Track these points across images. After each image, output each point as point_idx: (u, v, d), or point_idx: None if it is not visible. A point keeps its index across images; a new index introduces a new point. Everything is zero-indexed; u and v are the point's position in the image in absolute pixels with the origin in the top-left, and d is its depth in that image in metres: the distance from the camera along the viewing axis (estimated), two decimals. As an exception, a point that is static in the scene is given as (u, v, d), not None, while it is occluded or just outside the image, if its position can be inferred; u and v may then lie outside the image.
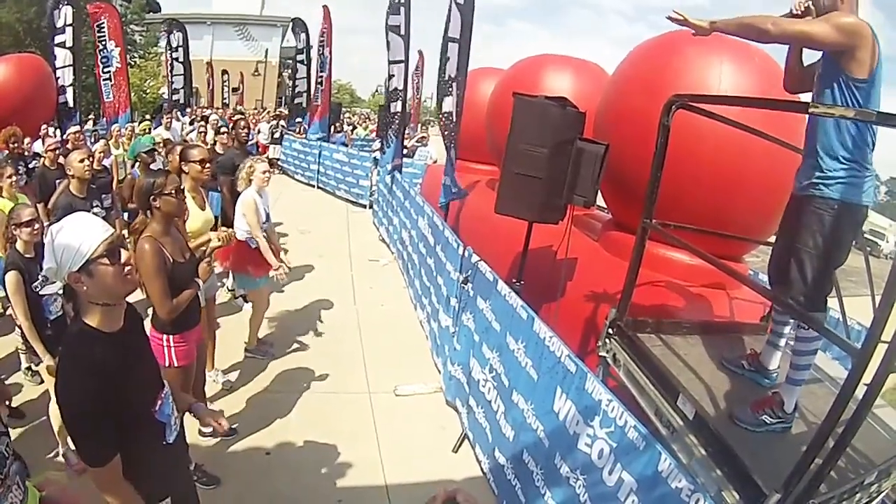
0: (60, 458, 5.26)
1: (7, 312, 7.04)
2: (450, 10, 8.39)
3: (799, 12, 3.80)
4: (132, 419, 2.66)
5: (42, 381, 5.95)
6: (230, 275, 9.06)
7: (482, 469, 5.65)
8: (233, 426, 6.01)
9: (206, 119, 17.89)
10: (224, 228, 6.08)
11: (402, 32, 11.39)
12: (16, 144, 9.90)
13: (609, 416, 3.46)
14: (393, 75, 11.70)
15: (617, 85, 7.52)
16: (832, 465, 2.91)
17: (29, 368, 6.41)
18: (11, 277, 4.99)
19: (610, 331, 4.96)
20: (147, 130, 15.91)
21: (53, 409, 5.35)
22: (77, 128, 12.17)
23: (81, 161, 6.37)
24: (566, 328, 5.08)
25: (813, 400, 4.22)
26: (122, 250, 2.62)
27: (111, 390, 2.52)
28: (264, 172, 7.03)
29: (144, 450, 2.77)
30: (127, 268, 2.62)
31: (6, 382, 5.59)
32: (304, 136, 23.93)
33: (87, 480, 3.05)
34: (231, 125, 10.63)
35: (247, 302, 8.24)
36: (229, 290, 9.40)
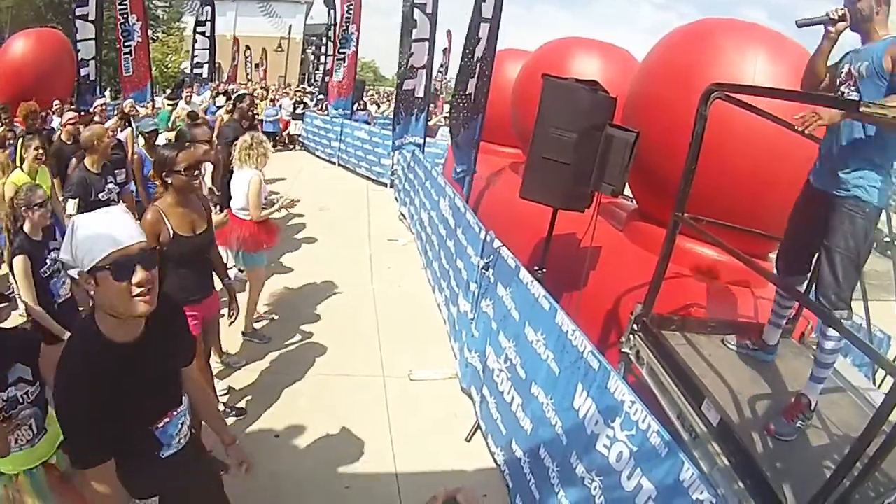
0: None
1: (12, 294, 7.01)
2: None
3: (836, 17, 3.84)
4: (125, 431, 2.53)
5: None
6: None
7: (495, 460, 5.54)
8: (240, 406, 5.94)
9: (227, 95, 17.80)
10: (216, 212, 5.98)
11: (429, 11, 11.24)
12: (34, 120, 9.85)
13: (631, 419, 3.31)
14: (413, 53, 11.55)
15: (647, 72, 7.35)
16: (859, 488, 2.82)
17: None
18: (20, 261, 4.91)
19: (635, 326, 4.84)
20: (173, 104, 15.91)
21: None
22: (103, 100, 12.14)
23: (100, 136, 6.27)
24: (587, 319, 4.95)
25: (835, 410, 4.16)
26: (138, 268, 2.32)
27: (104, 401, 2.38)
28: (265, 151, 6.96)
29: (131, 458, 2.63)
30: (139, 289, 2.33)
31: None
32: (325, 112, 23.92)
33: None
34: (237, 99, 10.58)
35: (242, 272, 8.09)
36: (231, 267, 9.30)
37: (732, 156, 5.80)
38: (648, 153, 6.15)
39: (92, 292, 2.35)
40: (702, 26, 6.88)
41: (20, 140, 7.15)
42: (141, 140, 9.14)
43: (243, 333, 7.42)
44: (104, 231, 2.31)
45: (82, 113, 10.79)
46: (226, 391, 6.13)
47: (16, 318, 6.55)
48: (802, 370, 4.36)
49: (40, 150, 6.67)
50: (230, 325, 5.55)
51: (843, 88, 3.95)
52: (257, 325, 7.70)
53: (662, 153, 6.24)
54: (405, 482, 5.28)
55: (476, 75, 8.51)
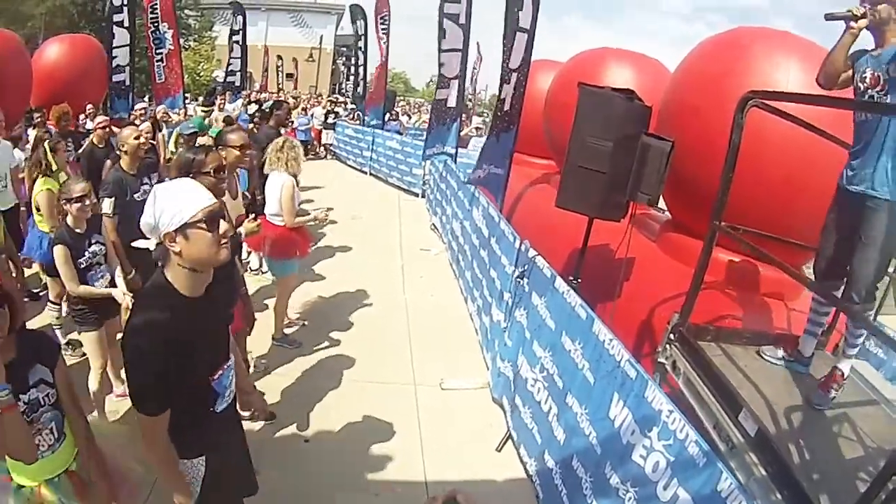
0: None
1: (42, 294, 7.05)
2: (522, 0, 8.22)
3: (858, 14, 3.95)
4: (188, 381, 2.75)
5: (84, 355, 5.94)
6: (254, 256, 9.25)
7: (526, 471, 5.51)
8: (272, 411, 5.97)
9: (259, 103, 17.94)
10: (251, 219, 6.01)
11: (462, 21, 11.25)
12: (66, 122, 9.96)
13: (669, 429, 3.29)
14: (443, 63, 11.56)
15: (681, 81, 7.33)
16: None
17: (69, 343, 6.44)
18: (60, 251, 5.05)
19: (671, 336, 4.80)
20: (208, 111, 16.08)
21: (93, 381, 5.46)
22: (144, 105, 12.26)
23: (136, 138, 6.32)
24: (620, 330, 4.92)
25: (870, 422, 4.13)
26: (222, 221, 2.71)
27: (175, 351, 2.61)
28: (297, 158, 7.00)
29: (189, 410, 2.87)
30: (223, 239, 2.71)
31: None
32: (358, 122, 24.10)
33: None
34: (273, 108, 10.65)
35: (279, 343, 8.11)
36: (265, 272, 9.36)
37: (766, 165, 5.78)
38: (682, 162, 6.11)
39: (177, 250, 2.63)
40: (735, 35, 6.87)
41: (48, 146, 7.22)
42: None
43: (273, 338, 7.46)
44: (190, 193, 2.69)
45: (117, 118, 10.87)
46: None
47: (45, 318, 6.66)
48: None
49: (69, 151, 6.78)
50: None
51: (871, 92, 4.04)
52: (288, 331, 7.72)
53: (696, 162, 6.22)
54: (434, 491, 5.14)
55: (512, 83, 8.49)
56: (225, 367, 3.05)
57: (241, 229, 5.37)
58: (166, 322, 2.61)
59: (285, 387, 6.60)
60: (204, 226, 2.61)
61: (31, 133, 10.30)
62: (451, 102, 11.88)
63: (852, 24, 3.97)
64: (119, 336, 5.81)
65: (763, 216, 5.71)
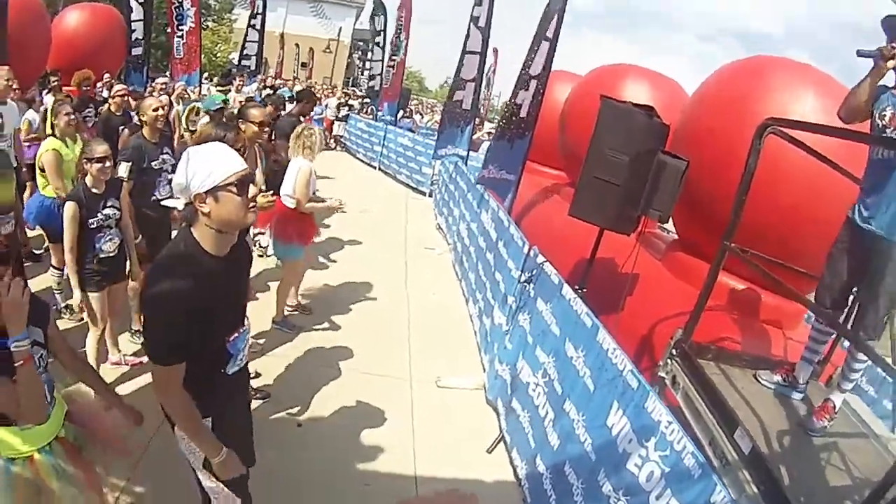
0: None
1: (42, 255, 7.09)
2: (552, 11, 8.27)
3: (888, 55, 3.94)
4: (204, 339, 2.83)
5: (82, 319, 6.00)
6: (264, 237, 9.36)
7: (516, 474, 5.55)
8: (265, 390, 6.02)
9: (273, 88, 18.00)
10: (267, 194, 6.10)
11: (482, 24, 11.30)
12: (87, 87, 10.02)
13: (666, 439, 3.34)
14: (463, 65, 11.61)
15: (699, 103, 7.41)
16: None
17: (67, 307, 6.49)
18: (70, 207, 5.15)
19: (673, 351, 4.86)
20: (224, 90, 16.18)
21: (90, 342, 5.52)
22: (165, 79, 12.33)
23: (155, 109, 6.39)
24: (621, 343, 4.95)
25: (860, 455, 4.18)
26: (251, 186, 2.83)
27: (196, 305, 2.69)
28: (318, 140, 7.09)
29: (202, 370, 2.92)
30: (251, 203, 2.81)
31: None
32: (371, 116, 24.20)
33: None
34: (300, 97, 10.69)
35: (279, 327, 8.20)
36: (270, 255, 9.43)
37: (777, 191, 5.83)
38: (695, 183, 6.17)
39: (206, 211, 2.71)
40: (755, 62, 6.93)
41: (51, 107, 7.31)
42: (206, 118, 9.31)
43: (273, 321, 7.54)
44: (224, 156, 2.79)
45: (131, 90, 10.94)
46: (253, 375, 6.19)
47: (46, 281, 6.70)
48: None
49: (71, 116, 6.85)
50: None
51: (889, 132, 4.07)
52: (288, 316, 7.79)
53: (709, 183, 6.30)
54: (424, 486, 5.31)
55: (531, 91, 8.52)
56: (241, 329, 3.12)
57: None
58: (189, 277, 2.69)
59: (281, 370, 6.66)
60: (234, 189, 2.70)
61: (47, 96, 10.39)
62: (467, 105, 11.91)
63: (881, 62, 3.98)
64: (124, 299, 5.92)
65: (770, 242, 5.76)
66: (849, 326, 4.50)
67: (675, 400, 4.65)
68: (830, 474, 3.88)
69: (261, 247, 9.66)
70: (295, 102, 11.10)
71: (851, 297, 4.58)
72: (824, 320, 4.63)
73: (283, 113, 10.28)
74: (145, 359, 5.55)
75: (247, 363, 3.38)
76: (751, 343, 5.84)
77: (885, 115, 4.06)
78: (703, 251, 6.33)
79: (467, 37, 11.20)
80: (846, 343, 5.21)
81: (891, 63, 3.93)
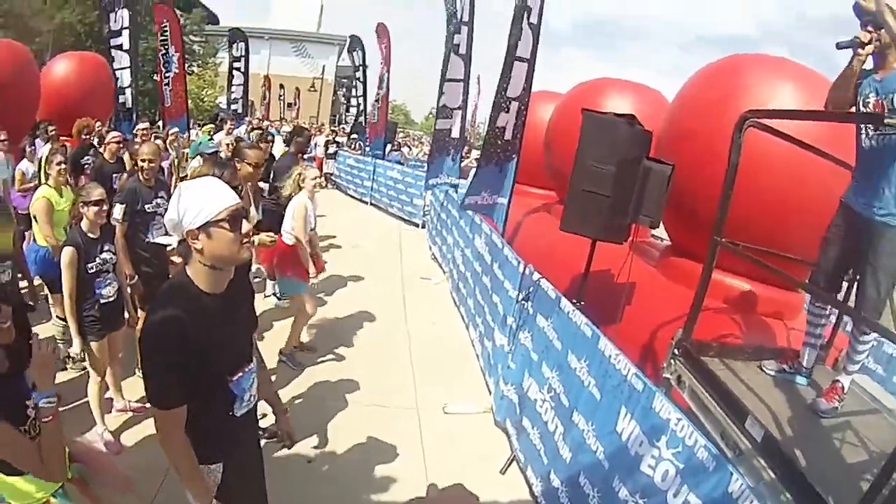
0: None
1: (39, 299, 7.11)
2: (521, 29, 8.32)
3: (865, 41, 3.97)
4: (206, 380, 2.76)
5: (84, 368, 6.02)
6: (269, 280, 9.41)
7: (532, 492, 5.54)
8: (273, 428, 6.03)
9: (261, 129, 18.19)
10: (268, 233, 6.23)
11: (462, 52, 11.34)
12: (88, 136, 10.07)
13: (677, 436, 3.36)
14: (444, 93, 11.65)
15: (679, 107, 7.51)
16: None
17: (68, 356, 6.52)
18: (68, 252, 5.17)
19: (675, 351, 4.89)
20: (210, 134, 16.33)
21: (92, 390, 5.56)
22: (146, 124, 12.44)
23: (144, 156, 6.56)
24: (623, 353, 4.98)
25: (873, 430, 4.22)
26: (244, 221, 2.76)
27: (193, 345, 2.63)
28: (314, 179, 7.19)
29: (208, 412, 2.86)
30: (245, 239, 2.75)
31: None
32: (359, 152, 24.32)
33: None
34: (293, 134, 10.81)
35: (280, 299, 8.28)
36: (269, 295, 9.58)
37: (763, 184, 5.89)
38: (682, 187, 6.26)
39: (199, 247, 2.66)
40: (731, 62, 7.03)
41: (44, 157, 7.38)
42: (198, 160, 9.41)
43: (281, 352, 7.62)
44: (215, 192, 2.72)
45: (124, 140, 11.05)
46: (260, 416, 6.19)
47: (48, 330, 6.72)
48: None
49: (63, 166, 6.89)
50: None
51: None
52: (293, 352, 7.79)
53: (696, 186, 6.36)
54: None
55: (512, 112, 8.57)
56: (246, 369, 3.03)
57: (256, 239, 5.50)
58: (184, 317, 2.64)
59: (289, 405, 6.55)
60: (227, 225, 2.65)
61: (41, 145, 10.47)
62: (455, 133, 11.97)
63: (860, 50, 4.01)
64: (120, 353, 5.94)
65: (761, 234, 5.78)
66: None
67: (683, 400, 4.66)
68: (846, 452, 3.91)
69: (268, 294, 9.76)
70: (288, 143, 11.24)
71: (846, 280, 4.65)
72: (826, 302, 4.68)
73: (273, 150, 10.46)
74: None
75: (256, 403, 3.29)
76: (753, 338, 5.84)
77: (868, 102, 4.08)
78: (697, 253, 6.35)
79: (447, 65, 11.23)
80: (848, 326, 5.23)
81: (868, 48, 3.97)
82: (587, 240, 6.32)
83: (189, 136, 17.04)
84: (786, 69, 6.43)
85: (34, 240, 6.91)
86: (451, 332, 9.62)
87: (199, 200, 2.64)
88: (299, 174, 7.41)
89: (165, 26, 18.35)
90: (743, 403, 4.08)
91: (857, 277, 4.40)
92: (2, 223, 5.65)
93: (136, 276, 6.17)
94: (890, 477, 2.76)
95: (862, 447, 3.95)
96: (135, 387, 6.26)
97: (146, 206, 6.40)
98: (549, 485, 5.09)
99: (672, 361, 4.91)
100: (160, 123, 18.72)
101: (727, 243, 4.70)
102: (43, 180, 7.21)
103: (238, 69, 26.10)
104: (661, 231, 8.40)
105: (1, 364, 2.98)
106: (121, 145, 9.20)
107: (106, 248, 5.45)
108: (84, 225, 5.30)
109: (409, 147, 36.15)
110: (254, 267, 7.65)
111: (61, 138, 11.13)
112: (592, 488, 4.31)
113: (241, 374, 2.97)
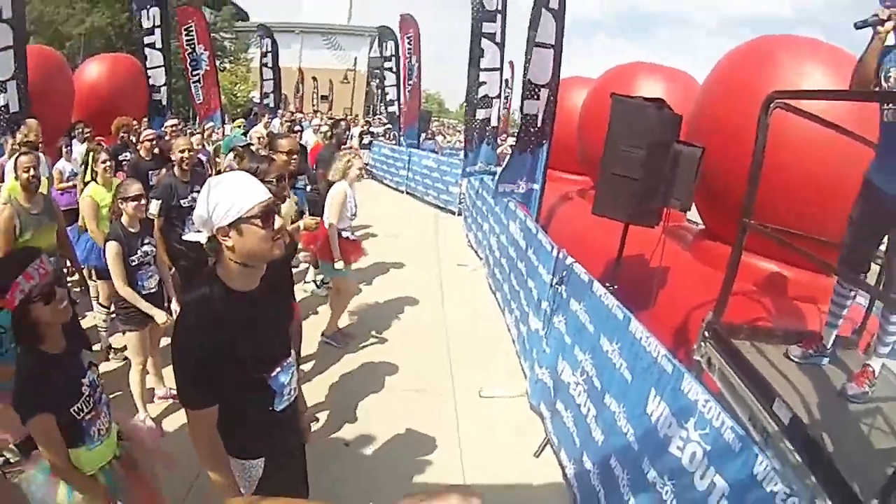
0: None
1: (81, 291, 7.27)
2: (540, 14, 8.32)
3: (884, 17, 3.96)
4: (242, 378, 2.76)
5: (125, 358, 6.23)
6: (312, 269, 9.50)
7: (565, 474, 5.58)
8: (315, 414, 6.12)
9: (293, 122, 18.31)
10: (313, 217, 6.34)
11: (498, 40, 11.32)
12: (126, 134, 10.24)
13: (705, 418, 3.36)
14: (484, 82, 11.62)
15: (709, 89, 7.49)
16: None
17: (110, 347, 6.66)
18: (112, 247, 5.30)
19: (706, 334, 4.90)
20: (243, 128, 16.51)
21: (133, 379, 5.71)
22: (175, 121, 12.56)
23: (181, 151, 6.75)
24: (656, 336, 4.99)
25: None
26: (276, 217, 2.68)
27: (224, 345, 2.60)
28: (359, 169, 7.25)
29: (248, 409, 2.88)
30: (277, 235, 2.68)
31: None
32: (394, 142, 24.40)
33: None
34: (332, 126, 10.92)
35: (320, 287, 8.40)
36: (308, 282, 9.73)
37: (792, 165, 5.88)
38: (713, 170, 6.28)
39: (230, 244, 2.60)
40: (761, 43, 7.01)
41: (90, 155, 7.52)
42: (231, 155, 9.52)
43: (323, 334, 7.83)
44: (246, 187, 2.64)
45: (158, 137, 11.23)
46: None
47: (90, 321, 6.88)
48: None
49: (109, 163, 7.08)
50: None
51: None
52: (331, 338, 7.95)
53: (727, 169, 6.33)
54: (474, 496, 5.34)
55: (543, 100, 8.57)
56: (284, 363, 2.98)
57: (301, 223, 5.63)
58: (214, 316, 2.62)
59: (326, 391, 6.79)
60: (259, 221, 2.58)
61: (77, 145, 10.65)
62: (494, 122, 11.98)
63: (879, 28, 3.97)
64: (162, 339, 6.06)
65: (792, 217, 5.78)
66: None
67: (714, 385, 4.66)
68: (875, 437, 3.88)
69: (307, 281, 9.92)
70: (330, 136, 11.38)
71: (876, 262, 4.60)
72: (856, 285, 4.64)
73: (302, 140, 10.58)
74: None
75: (296, 397, 3.26)
76: (784, 321, 5.84)
77: (889, 77, 4.05)
78: (730, 237, 6.31)
79: (482, 54, 11.20)
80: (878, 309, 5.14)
81: (889, 24, 3.93)
82: (620, 224, 6.35)
83: (223, 131, 17.22)
84: (816, 50, 6.41)
85: (84, 230, 7.11)
86: (487, 318, 9.69)
87: (229, 196, 2.58)
88: (348, 161, 7.52)
89: (190, 26, 18.67)
90: (771, 386, 4.08)
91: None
92: (46, 224, 5.83)
93: (174, 268, 6.31)
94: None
95: (891, 433, 3.93)
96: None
97: (181, 202, 6.55)
98: (581, 467, 5.12)
99: (702, 344, 4.92)
100: (195, 120, 18.92)
101: (756, 225, 4.69)
102: (89, 177, 7.36)
103: (266, 65, 26.22)
104: (695, 215, 8.41)
105: (59, 343, 3.18)
106: (155, 143, 9.32)
107: (146, 241, 5.59)
108: (124, 220, 5.43)
109: (443, 135, 36.14)
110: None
111: (96, 138, 11.33)
112: (622, 470, 4.33)
113: (279, 369, 2.95)
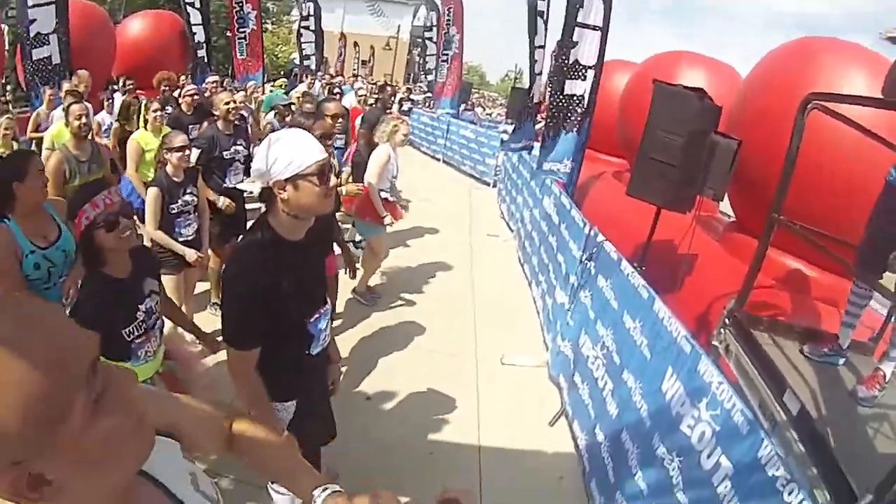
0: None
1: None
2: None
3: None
4: (285, 322, 2.94)
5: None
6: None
7: (576, 445, 5.71)
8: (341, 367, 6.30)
9: (331, 84, 18.39)
10: (358, 185, 6.50)
11: (546, 18, 11.33)
12: (167, 88, 10.42)
13: (717, 399, 3.46)
14: (536, 60, 11.66)
15: (751, 86, 7.55)
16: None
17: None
18: (153, 192, 5.50)
19: (726, 321, 4.99)
20: (283, 87, 16.64)
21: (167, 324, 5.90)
22: (216, 78, 12.73)
23: (227, 103, 6.85)
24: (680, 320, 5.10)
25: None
26: (331, 175, 2.84)
27: (272, 289, 2.78)
28: (404, 135, 7.38)
29: (286, 352, 3.06)
30: (330, 192, 2.83)
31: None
32: (433, 110, 24.46)
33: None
34: (379, 91, 11.05)
35: (358, 248, 8.62)
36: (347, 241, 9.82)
37: (826, 168, 5.95)
38: (749, 164, 6.34)
39: (284, 197, 2.75)
40: (805, 43, 7.07)
41: (143, 104, 7.75)
42: (272, 113, 9.67)
43: (354, 291, 8.03)
44: (306, 145, 2.77)
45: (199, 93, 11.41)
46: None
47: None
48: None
49: (159, 113, 7.34)
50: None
51: None
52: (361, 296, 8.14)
53: (762, 164, 6.38)
54: (487, 456, 5.51)
55: (589, 80, 8.63)
56: (322, 310, 3.19)
57: (344, 188, 5.78)
58: (264, 262, 2.79)
59: (353, 345, 6.97)
60: (315, 179, 2.71)
61: (119, 98, 10.86)
62: (537, 98, 12.04)
63: None
64: (196, 286, 6.26)
65: (824, 218, 5.82)
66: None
67: (731, 373, 4.75)
68: (878, 439, 3.95)
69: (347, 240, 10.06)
70: (377, 101, 11.51)
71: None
72: (872, 286, 4.62)
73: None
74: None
75: (329, 345, 3.49)
76: (805, 320, 5.86)
77: None
78: (760, 231, 6.41)
79: (535, 31, 11.21)
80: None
81: None
82: (652, 209, 6.45)
83: (264, 90, 17.39)
84: (857, 54, 6.44)
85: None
86: (514, 288, 9.84)
87: (289, 152, 2.71)
88: (395, 125, 7.63)
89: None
90: (784, 377, 4.17)
91: None
92: (95, 171, 6.07)
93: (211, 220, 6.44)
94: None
95: (894, 437, 3.99)
96: (208, 322, 6.50)
97: (224, 153, 6.74)
98: (593, 439, 5.23)
99: (722, 331, 5.01)
100: (233, 79, 19.07)
101: (785, 221, 4.75)
102: (140, 126, 7.63)
103: (307, 27, 26.18)
104: (727, 207, 8.49)
105: (123, 269, 3.42)
106: (194, 97, 9.49)
107: (189, 190, 5.77)
108: (169, 169, 5.63)
109: (482, 107, 36.10)
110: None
111: (137, 91, 11.54)
112: (633, 444, 4.43)
113: (317, 315, 3.15)
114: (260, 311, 2.80)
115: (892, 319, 5.14)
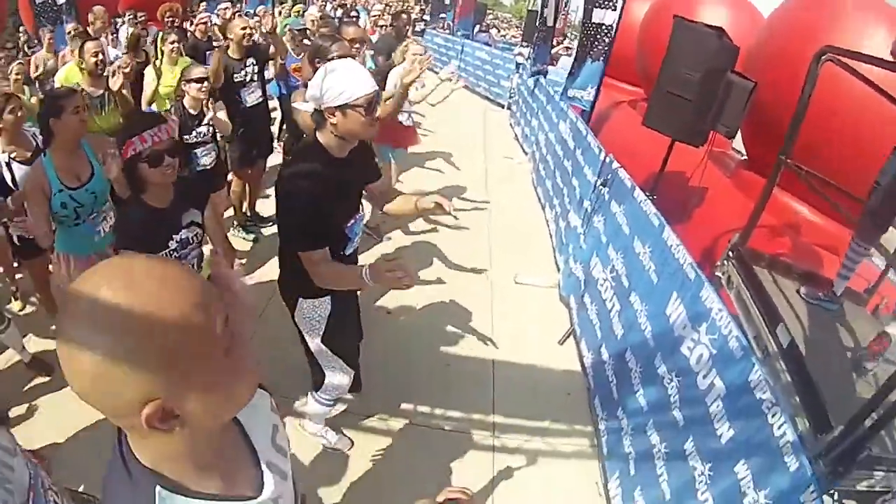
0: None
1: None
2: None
3: None
4: (328, 226, 3.33)
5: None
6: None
7: (582, 363, 5.97)
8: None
9: (344, 7, 18.26)
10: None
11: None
12: (172, 19, 10.51)
13: (716, 325, 3.67)
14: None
15: (771, 28, 7.66)
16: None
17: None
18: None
19: (730, 254, 5.21)
20: (300, 13, 16.59)
21: None
22: (227, 4, 12.77)
23: (242, 28, 6.98)
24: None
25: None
26: (377, 106, 3.16)
27: (322, 197, 3.16)
28: (415, 54, 7.54)
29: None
30: (374, 121, 3.17)
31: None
32: (447, 31, 24.30)
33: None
34: (393, 19, 11.08)
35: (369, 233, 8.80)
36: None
37: (842, 116, 6.09)
38: (764, 105, 6.49)
39: (334, 122, 3.12)
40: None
41: (159, 36, 7.92)
42: (287, 36, 9.79)
43: (366, 225, 8.07)
44: (358, 78, 3.08)
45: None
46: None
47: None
48: (868, 332, 4.61)
49: (176, 45, 7.43)
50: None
51: None
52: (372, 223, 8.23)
53: (777, 106, 6.49)
54: (499, 369, 5.82)
55: (617, 10, 8.68)
56: (357, 216, 3.62)
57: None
58: (317, 173, 3.16)
59: (374, 259, 7.11)
60: (362, 109, 3.05)
61: (124, 32, 11.09)
62: (550, 21, 12.11)
63: None
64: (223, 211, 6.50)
65: (832, 166, 5.91)
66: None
67: (730, 302, 5.00)
68: (859, 384, 4.19)
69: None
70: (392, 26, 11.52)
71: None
72: (873, 245, 4.77)
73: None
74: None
75: (357, 246, 3.86)
76: (804, 262, 6.02)
77: None
78: (769, 172, 6.54)
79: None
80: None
81: None
82: (666, 140, 6.59)
83: (274, 14, 17.34)
84: (881, 11, 6.45)
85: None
86: (528, 210, 10.06)
87: (341, 83, 3.01)
88: (406, 46, 7.74)
89: None
90: (779, 312, 4.41)
91: None
92: (111, 107, 6.23)
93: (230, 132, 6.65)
94: (884, 398, 3.01)
95: (875, 382, 4.12)
96: (235, 236, 7.00)
97: (234, 76, 6.90)
98: (598, 357, 5.50)
99: (725, 262, 5.24)
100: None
101: (792, 164, 4.96)
102: (157, 57, 7.85)
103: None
104: (739, 144, 8.69)
105: (164, 199, 3.67)
106: (207, 24, 9.66)
107: (205, 122, 6.03)
108: (186, 101, 5.88)
109: (497, 29, 35.76)
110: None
111: (147, 23, 11.70)
112: (636, 363, 4.70)
113: (353, 221, 3.59)
114: (319, 216, 3.16)
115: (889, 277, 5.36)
